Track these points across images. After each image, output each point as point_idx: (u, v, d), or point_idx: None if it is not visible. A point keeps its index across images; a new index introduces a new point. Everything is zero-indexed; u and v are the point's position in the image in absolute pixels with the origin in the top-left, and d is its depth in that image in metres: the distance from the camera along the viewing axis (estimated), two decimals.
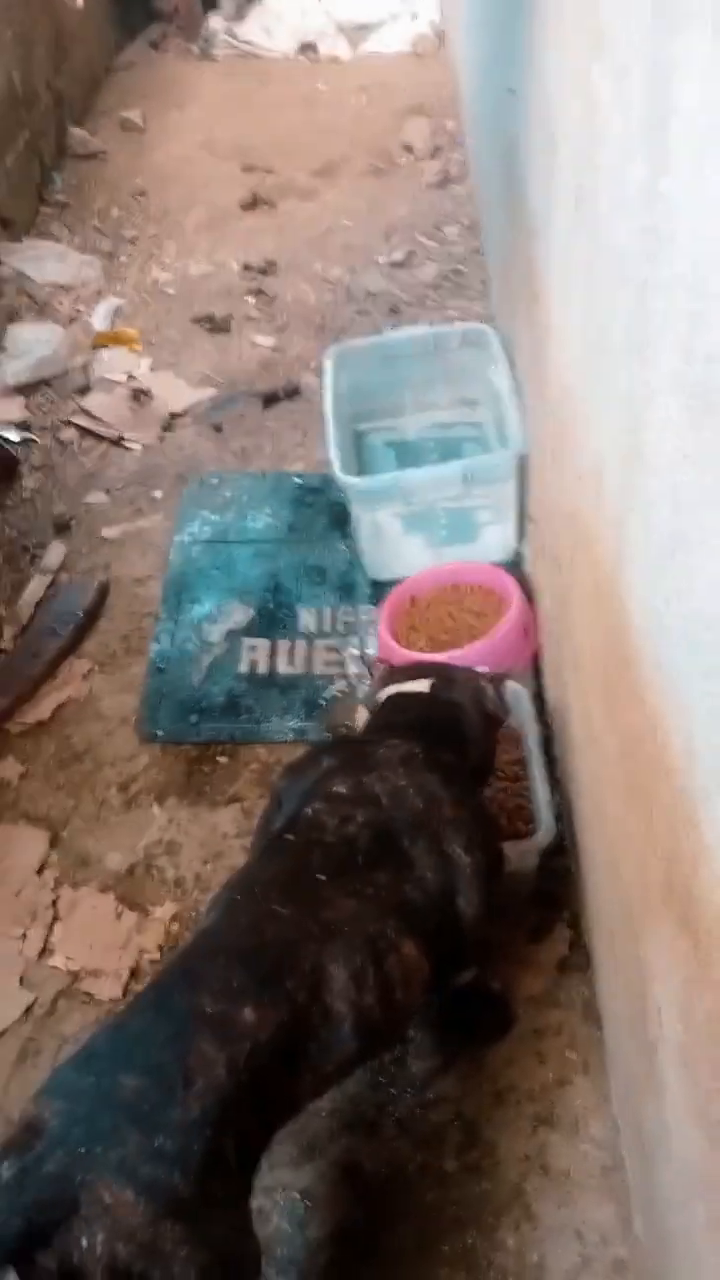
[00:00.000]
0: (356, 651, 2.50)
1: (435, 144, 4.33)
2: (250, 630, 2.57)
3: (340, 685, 2.44)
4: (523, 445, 2.39)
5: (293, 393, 3.20)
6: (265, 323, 3.52)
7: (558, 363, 1.89)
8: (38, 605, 2.63)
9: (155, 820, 2.21)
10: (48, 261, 3.73)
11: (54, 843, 2.19)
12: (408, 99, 4.63)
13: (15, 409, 3.16)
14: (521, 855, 1.89)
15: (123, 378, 3.24)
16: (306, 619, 2.59)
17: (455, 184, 4.08)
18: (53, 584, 2.69)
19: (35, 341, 3.32)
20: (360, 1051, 1.38)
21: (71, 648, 2.54)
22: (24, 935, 2.04)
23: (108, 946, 2.01)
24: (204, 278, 3.73)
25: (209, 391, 3.24)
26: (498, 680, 1.86)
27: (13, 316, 3.50)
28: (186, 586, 2.68)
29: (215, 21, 5.25)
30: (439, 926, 1.51)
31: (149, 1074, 1.20)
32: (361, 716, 1.88)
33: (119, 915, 2.06)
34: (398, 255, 3.72)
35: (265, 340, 3.43)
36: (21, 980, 1.98)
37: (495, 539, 2.60)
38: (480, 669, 1.89)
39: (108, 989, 1.94)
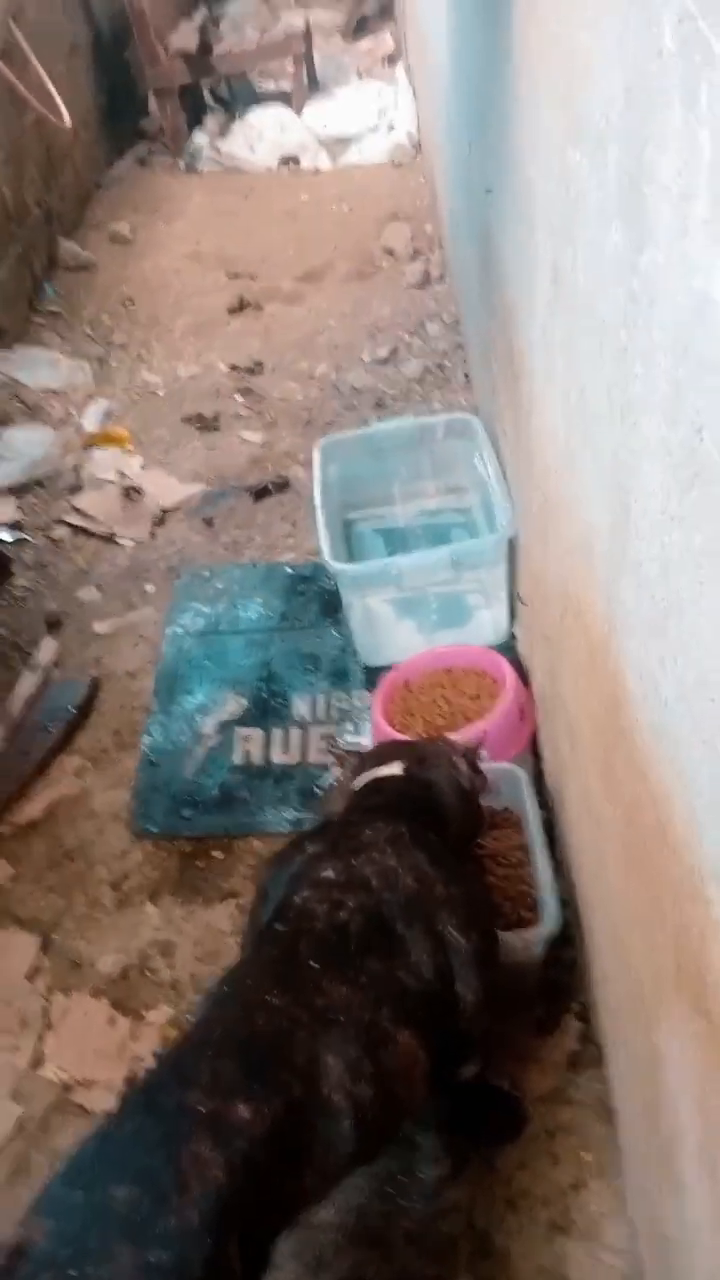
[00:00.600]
0: (352, 739, 2.46)
1: (415, 247, 4.48)
2: (244, 720, 2.55)
3: (336, 773, 2.40)
4: (510, 529, 2.40)
5: (282, 486, 3.24)
6: (254, 420, 3.58)
7: (542, 440, 1.90)
8: (29, 703, 2.60)
9: (149, 919, 2.15)
10: (39, 368, 3.81)
11: (45, 946, 2.12)
12: (388, 206, 4.80)
13: (8, 509, 3.19)
14: (526, 944, 1.82)
15: (114, 476, 3.28)
16: (300, 707, 2.57)
17: (436, 284, 4.20)
18: (45, 681, 2.66)
19: (27, 444, 3.37)
20: (360, 1148, 1.30)
21: (63, 745, 2.51)
22: (15, 1046, 1.96)
23: (101, 1055, 1.93)
24: (192, 379, 3.81)
25: (199, 487, 3.28)
26: (471, 751, 1.82)
27: (5, 420, 3.56)
28: (179, 678, 2.66)
29: (200, 138, 5.47)
30: (436, 1014, 1.45)
31: (140, 1182, 1.12)
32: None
33: (112, 1021, 1.98)
34: (382, 352, 3.80)
35: (254, 436, 3.48)
36: (13, 1094, 1.89)
37: (487, 622, 2.60)
38: (453, 739, 1.86)
39: (101, 1100, 1.85)
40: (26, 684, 2.65)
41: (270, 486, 3.22)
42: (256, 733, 2.51)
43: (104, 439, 3.46)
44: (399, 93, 5.51)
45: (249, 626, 2.79)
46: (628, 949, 1.46)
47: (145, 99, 5.75)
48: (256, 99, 5.76)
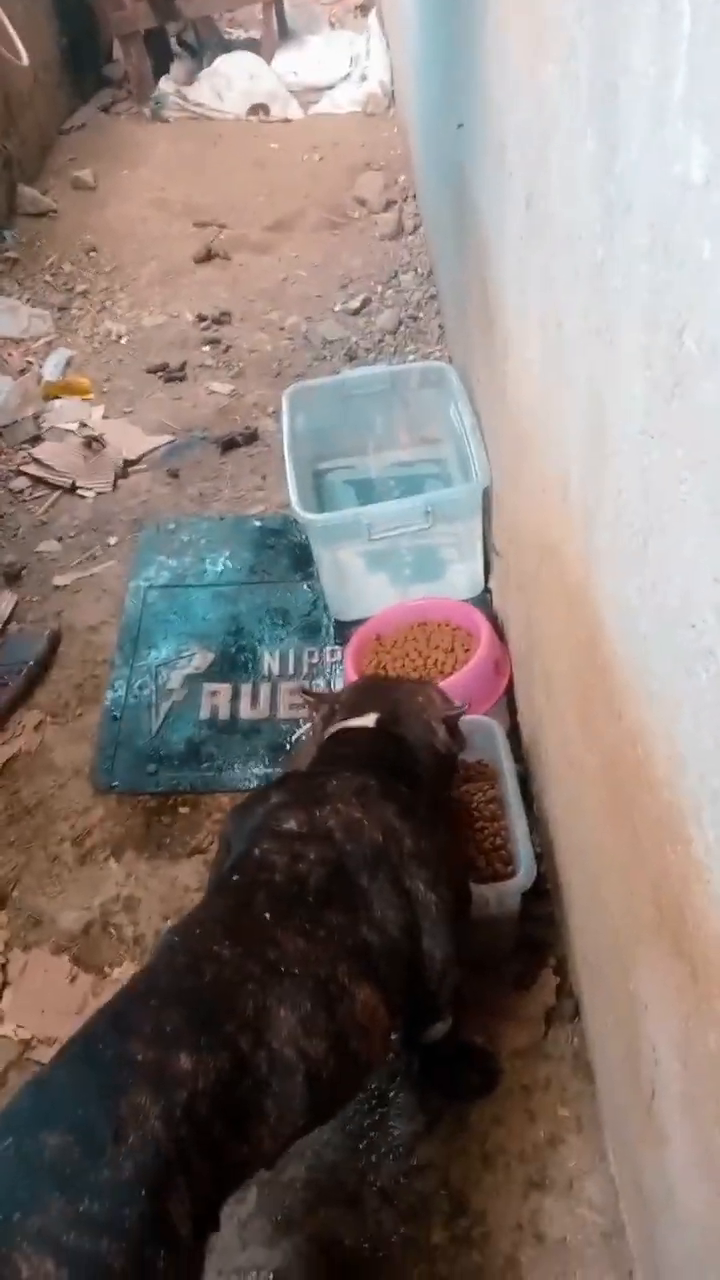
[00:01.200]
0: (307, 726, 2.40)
1: (388, 197, 4.37)
2: (210, 675, 2.48)
3: (306, 727, 2.34)
4: (485, 478, 2.33)
5: (251, 438, 3.15)
6: (221, 370, 3.48)
7: (517, 382, 1.84)
8: None
9: (112, 875, 2.08)
10: None
11: (3, 903, 2.05)
12: (360, 156, 4.68)
13: None
14: (501, 898, 1.78)
15: (75, 426, 3.17)
16: (270, 661, 2.50)
17: (409, 235, 4.10)
18: (2, 634, 2.58)
19: None
20: (315, 1105, 1.26)
21: (22, 699, 2.43)
22: None
23: (61, 1012, 1.87)
24: (158, 328, 3.70)
25: (165, 438, 3.18)
26: (451, 714, 1.74)
27: None
28: (143, 632, 2.58)
29: (166, 85, 5.31)
30: (401, 971, 1.40)
31: (74, 1130, 1.08)
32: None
33: (73, 978, 1.92)
34: (354, 303, 3.71)
35: (222, 387, 3.39)
36: None
37: (462, 576, 2.54)
38: (435, 692, 1.79)
39: None
40: None
41: (238, 438, 3.13)
42: (224, 687, 2.45)
43: (65, 389, 3.35)
44: (371, 41, 5.35)
45: (216, 580, 2.71)
46: (606, 899, 1.42)
47: (110, 45, 5.57)
48: (225, 46, 5.60)
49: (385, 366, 3.07)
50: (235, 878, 1.41)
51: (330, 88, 5.29)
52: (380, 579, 2.52)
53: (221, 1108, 1.15)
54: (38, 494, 3.01)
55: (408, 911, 1.42)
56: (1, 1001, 1.90)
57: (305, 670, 2.47)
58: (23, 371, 3.44)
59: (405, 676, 2.15)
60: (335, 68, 5.36)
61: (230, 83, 5.22)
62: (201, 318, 3.72)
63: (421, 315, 3.60)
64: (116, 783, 2.25)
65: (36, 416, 3.23)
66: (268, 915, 1.33)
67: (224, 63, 5.29)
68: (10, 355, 3.52)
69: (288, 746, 2.30)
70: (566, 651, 1.55)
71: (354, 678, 2.23)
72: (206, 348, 3.58)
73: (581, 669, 1.43)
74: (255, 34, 5.63)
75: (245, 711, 2.39)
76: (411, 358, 3.37)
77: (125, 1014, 1.22)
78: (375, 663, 2.31)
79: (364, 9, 5.94)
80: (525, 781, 2.04)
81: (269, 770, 2.25)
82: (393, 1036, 1.52)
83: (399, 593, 2.52)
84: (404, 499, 2.52)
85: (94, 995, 1.87)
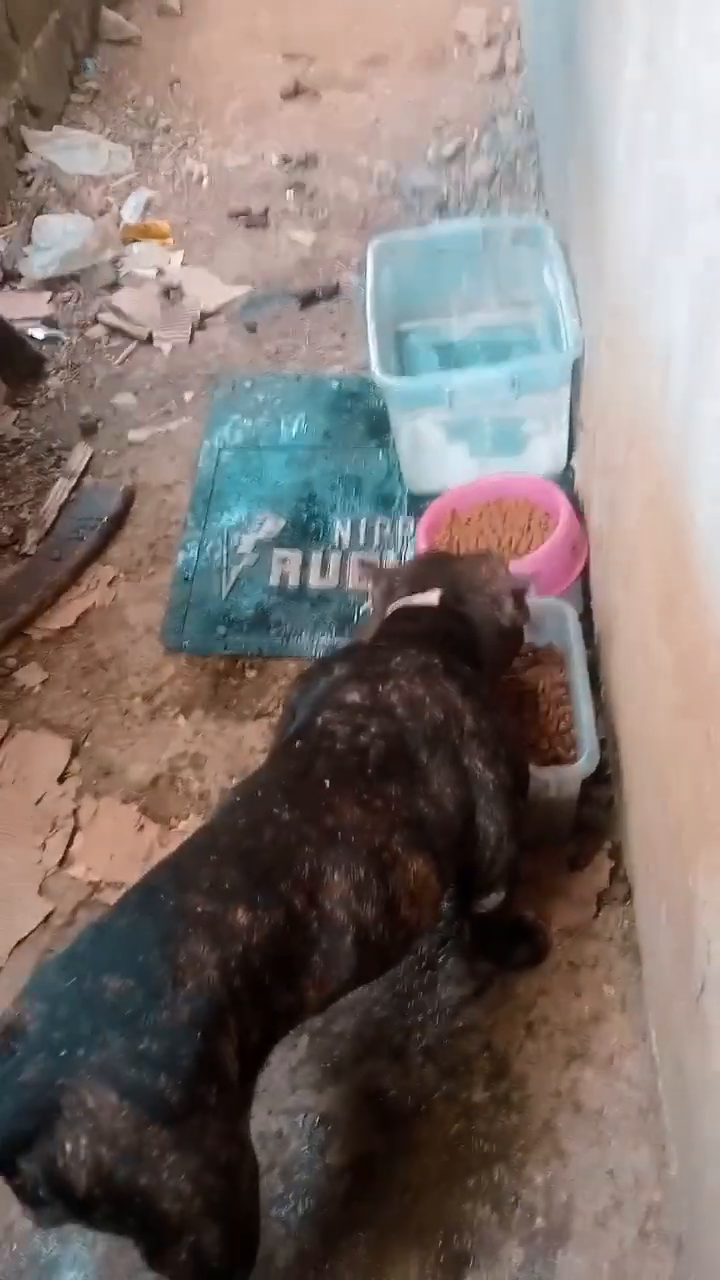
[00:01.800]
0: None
1: (491, 33, 4.05)
2: (281, 541, 2.46)
3: (368, 587, 2.32)
4: (577, 348, 2.22)
5: (332, 293, 3.03)
6: (305, 218, 3.33)
7: (619, 248, 1.72)
8: (61, 509, 2.53)
9: (180, 732, 2.13)
10: (78, 151, 3.55)
11: (75, 752, 2.12)
12: None
13: (41, 305, 3.03)
14: (562, 782, 1.79)
15: (153, 273, 3.08)
16: (341, 531, 2.47)
17: (511, 75, 3.81)
18: (77, 488, 2.58)
19: (63, 234, 3.16)
20: (361, 965, 1.32)
21: (96, 554, 2.45)
22: (44, 844, 1.99)
23: (129, 858, 1.94)
24: (241, 170, 3.54)
25: (244, 289, 3.08)
26: (519, 589, 1.72)
27: (41, 208, 3.34)
28: (215, 494, 2.56)
29: None
30: (455, 845, 1.44)
31: (134, 975, 1.15)
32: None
33: (141, 827, 1.99)
34: (448, 150, 3.49)
35: (304, 237, 3.25)
36: (40, 889, 1.93)
37: (544, 451, 2.46)
38: (502, 565, 1.75)
39: None
40: (59, 490, 2.57)
41: (319, 292, 3.02)
42: (294, 554, 2.43)
43: (144, 232, 3.24)
44: None
45: (290, 443, 2.66)
46: (670, 793, 1.41)
47: None
48: None
49: (477, 221, 2.92)
50: (298, 743, 1.44)
51: None
52: (459, 450, 2.45)
53: (272, 961, 1.22)
54: (114, 344, 2.96)
55: (465, 787, 1.45)
56: (73, 845, 1.98)
57: (376, 541, 2.45)
58: (102, 212, 3.33)
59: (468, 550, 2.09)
60: None
61: None
62: (286, 159, 3.54)
63: (519, 166, 3.38)
64: (186, 643, 2.27)
65: (115, 261, 3.14)
66: (327, 783, 1.36)
67: None
68: (90, 194, 3.40)
69: (355, 618, 2.30)
70: (651, 541, 1.50)
71: None
72: (290, 192, 3.42)
73: (666, 562, 1.38)
74: None
75: (314, 580, 2.38)
76: (506, 212, 3.19)
77: (186, 868, 1.27)
78: (449, 538, 2.27)
79: None
80: (595, 668, 2.02)
81: (336, 640, 2.25)
82: (445, 904, 1.56)
83: (477, 465, 2.45)
84: (489, 367, 2.43)
85: (160, 845, 1.94)
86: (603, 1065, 1.63)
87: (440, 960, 1.76)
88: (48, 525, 2.49)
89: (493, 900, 1.60)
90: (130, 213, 3.32)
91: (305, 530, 2.48)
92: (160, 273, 3.09)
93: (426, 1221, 1.52)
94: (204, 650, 2.26)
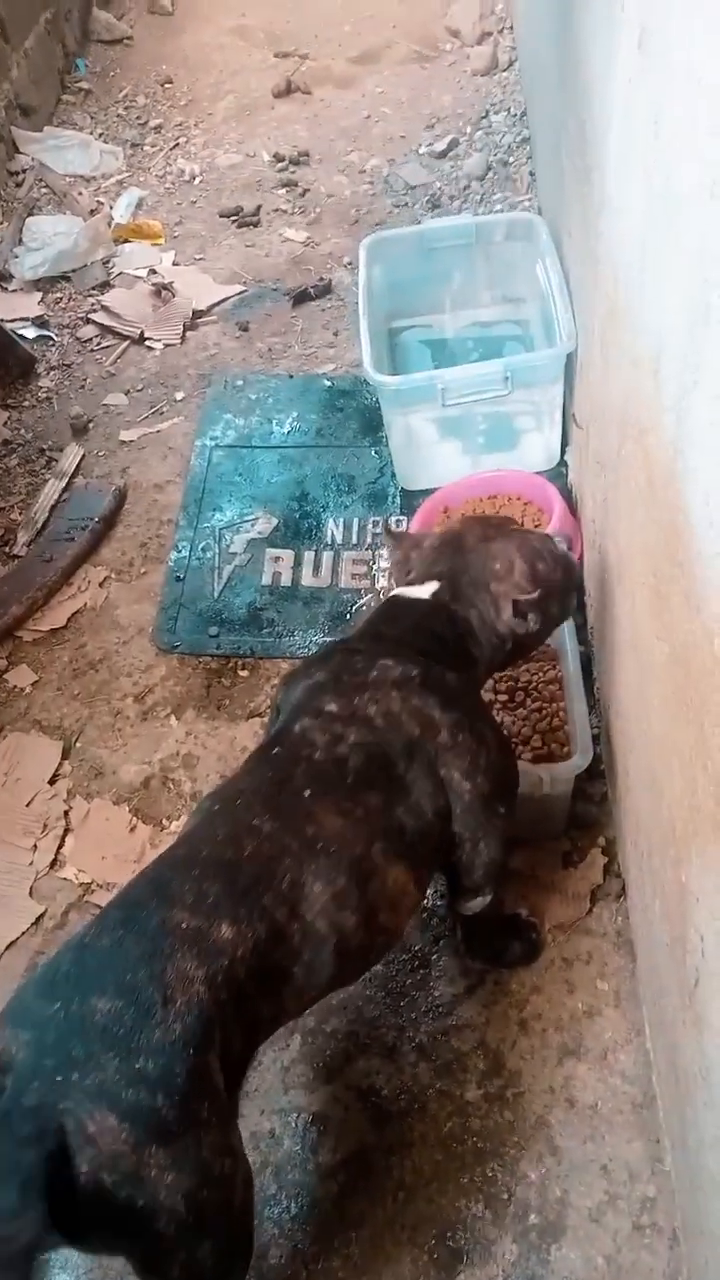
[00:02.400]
0: (386, 564, 2.37)
1: (483, 29, 4.04)
2: (274, 540, 2.45)
3: (368, 599, 2.32)
4: (571, 343, 2.22)
5: (324, 291, 3.03)
6: (297, 216, 3.32)
7: (612, 240, 1.72)
8: (53, 510, 2.52)
9: (172, 732, 2.12)
10: (69, 151, 3.54)
11: (66, 753, 2.11)
12: None
13: (32, 305, 3.02)
14: (556, 779, 1.78)
15: (144, 273, 3.07)
16: (333, 529, 2.46)
17: (504, 71, 3.81)
18: (68, 488, 2.57)
19: (54, 234, 3.15)
20: (340, 973, 1.33)
21: (87, 554, 2.44)
22: (35, 846, 1.98)
23: (120, 859, 1.94)
24: (232, 169, 3.53)
25: (235, 288, 3.07)
26: (527, 596, 1.58)
27: (32, 208, 3.33)
28: (207, 493, 2.55)
29: None
30: (434, 851, 1.44)
31: (123, 995, 1.14)
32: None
33: (132, 828, 1.98)
34: (440, 145, 3.48)
35: (296, 235, 3.24)
36: (31, 891, 1.92)
37: (537, 447, 2.45)
38: (522, 556, 1.63)
39: None
40: (50, 490, 2.56)
41: (311, 290, 3.01)
42: (287, 553, 2.42)
43: (135, 232, 3.23)
44: None
45: (282, 442, 2.66)
46: (663, 789, 1.40)
47: None
48: None
49: (469, 217, 2.90)
50: (276, 750, 1.43)
51: None
52: (452, 447, 2.44)
53: (255, 973, 1.22)
54: (105, 343, 2.95)
55: (442, 798, 1.44)
56: (64, 846, 1.97)
57: (369, 540, 2.44)
58: (93, 212, 3.32)
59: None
60: None
61: None
62: (278, 158, 3.53)
63: (512, 161, 3.38)
64: (178, 644, 2.27)
65: (106, 261, 3.13)
66: (307, 793, 1.35)
67: None
68: (81, 194, 3.39)
69: (348, 617, 2.29)
70: (644, 537, 1.49)
71: None
72: (282, 190, 3.41)
73: (659, 557, 1.38)
74: None
75: (307, 579, 2.37)
76: (498, 208, 3.18)
77: (168, 882, 1.26)
78: None
79: None
80: (588, 663, 2.01)
81: (328, 639, 2.24)
82: (425, 902, 1.56)
83: (470, 462, 2.44)
84: (482, 362, 2.41)
85: (152, 845, 1.94)
86: (597, 1060, 1.63)
87: (433, 958, 1.76)
88: (39, 526, 2.48)
89: (478, 903, 1.60)
90: (121, 212, 3.30)
91: (298, 529, 2.47)
92: (152, 272, 3.08)
93: (420, 1219, 1.51)
94: (196, 650, 2.26)
